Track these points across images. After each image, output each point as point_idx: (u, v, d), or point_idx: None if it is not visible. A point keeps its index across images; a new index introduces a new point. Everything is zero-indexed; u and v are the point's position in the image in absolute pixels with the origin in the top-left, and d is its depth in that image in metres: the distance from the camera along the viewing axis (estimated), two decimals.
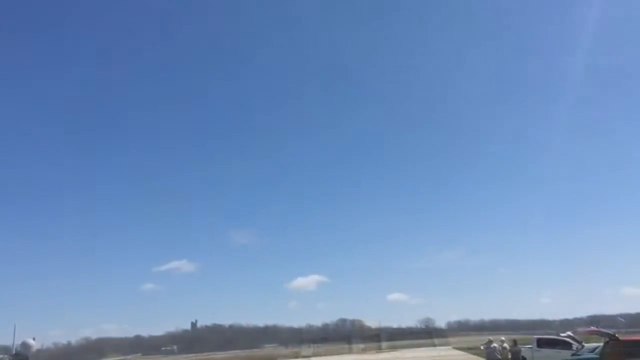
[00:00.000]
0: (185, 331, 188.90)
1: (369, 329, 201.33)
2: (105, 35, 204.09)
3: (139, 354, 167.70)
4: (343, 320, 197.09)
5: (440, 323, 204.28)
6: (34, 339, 14.67)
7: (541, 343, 32.05)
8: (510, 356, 24.81)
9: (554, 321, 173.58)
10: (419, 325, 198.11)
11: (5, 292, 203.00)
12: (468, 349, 67.20)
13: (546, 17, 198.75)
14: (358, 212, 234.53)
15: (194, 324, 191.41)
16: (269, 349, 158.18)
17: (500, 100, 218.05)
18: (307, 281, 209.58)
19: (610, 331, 22.04)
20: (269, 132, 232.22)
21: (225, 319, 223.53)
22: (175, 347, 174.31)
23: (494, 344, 24.55)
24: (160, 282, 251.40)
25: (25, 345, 14.56)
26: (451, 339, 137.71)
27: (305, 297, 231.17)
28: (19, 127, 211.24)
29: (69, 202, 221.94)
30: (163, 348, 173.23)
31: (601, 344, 21.56)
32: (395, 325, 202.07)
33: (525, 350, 30.45)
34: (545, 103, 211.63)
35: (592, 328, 23.45)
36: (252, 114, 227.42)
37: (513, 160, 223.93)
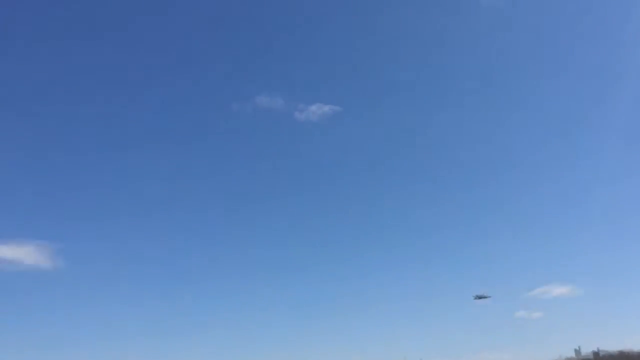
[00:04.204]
0: (569, 359, 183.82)
1: None
2: None
3: None
4: None
5: None
6: None
7: None
8: None
9: None
10: None
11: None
12: None
13: None
14: None
15: (577, 351, 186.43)
16: None
17: None
18: None
19: None
20: None
21: (611, 345, 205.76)
22: None
23: None
24: (536, 308, 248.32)
25: None
26: None
27: None
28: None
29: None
30: None
31: None
32: None
33: None
34: None
35: None
36: None
37: None
